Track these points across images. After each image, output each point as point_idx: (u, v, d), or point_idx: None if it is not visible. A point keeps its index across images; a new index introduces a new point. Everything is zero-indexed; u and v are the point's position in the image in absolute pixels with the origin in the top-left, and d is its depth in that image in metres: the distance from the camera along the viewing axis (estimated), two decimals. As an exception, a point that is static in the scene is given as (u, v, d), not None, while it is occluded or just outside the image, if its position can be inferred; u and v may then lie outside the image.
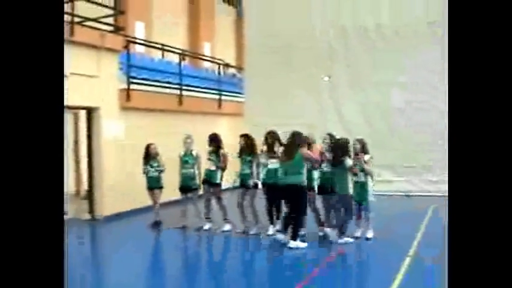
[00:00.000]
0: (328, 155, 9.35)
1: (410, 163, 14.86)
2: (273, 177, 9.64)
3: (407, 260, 7.85)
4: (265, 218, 10.06)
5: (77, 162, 14.37)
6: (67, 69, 10.47)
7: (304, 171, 8.89)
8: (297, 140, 8.96)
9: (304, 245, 8.86)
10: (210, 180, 10.60)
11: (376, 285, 7.15)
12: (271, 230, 9.89)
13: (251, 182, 10.06)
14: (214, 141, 10.67)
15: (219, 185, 10.63)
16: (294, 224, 8.91)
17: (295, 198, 8.90)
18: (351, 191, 9.09)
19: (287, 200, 9.13)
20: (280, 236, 9.03)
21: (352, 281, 7.83)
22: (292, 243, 8.78)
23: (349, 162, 9.05)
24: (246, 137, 10.35)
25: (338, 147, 9.16)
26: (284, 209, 9.51)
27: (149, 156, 10.90)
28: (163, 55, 17.80)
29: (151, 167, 10.88)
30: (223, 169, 10.62)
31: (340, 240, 9.04)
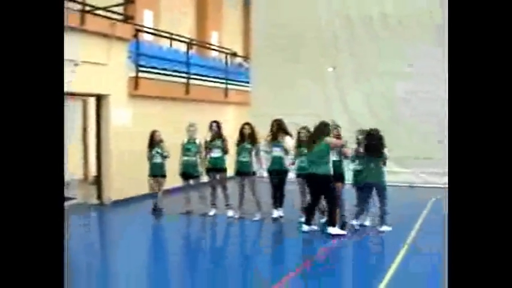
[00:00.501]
0: (358, 147, 9.57)
1: (415, 154, 14.92)
2: (277, 164, 10.23)
3: (405, 248, 8.12)
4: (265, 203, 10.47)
5: (85, 148, 14.64)
6: (78, 57, 10.78)
7: (329, 160, 9.03)
8: (323, 130, 9.14)
9: (344, 232, 9.03)
10: (216, 167, 10.83)
11: (377, 268, 7.47)
12: (275, 214, 10.31)
13: (257, 169, 10.38)
14: (217, 128, 10.90)
15: (225, 170, 10.90)
16: (329, 211, 9.12)
17: (321, 187, 9.05)
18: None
19: (312, 189, 9.25)
20: (310, 227, 9.23)
21: (353, 265, 8.12)
22: (332, 230, 8.93)
23: (387, 153, 9.32)
24: (248, 125, 10.63)
25: (375, 139, 9.32)
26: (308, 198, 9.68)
27: (154, 142, 10.99)
28: (171, 44, 17.98)
29: (156, 153, 10.97)
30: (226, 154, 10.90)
31: (380, 229, 9.29)
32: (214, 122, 11.04)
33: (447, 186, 11.09)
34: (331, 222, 8.99)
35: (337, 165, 9.37)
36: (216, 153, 10.81)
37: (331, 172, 9.02)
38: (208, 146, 10.86)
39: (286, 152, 10.29)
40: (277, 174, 10.38)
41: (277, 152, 10.32)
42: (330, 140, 9.09)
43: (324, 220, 9.76)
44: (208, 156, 10.89)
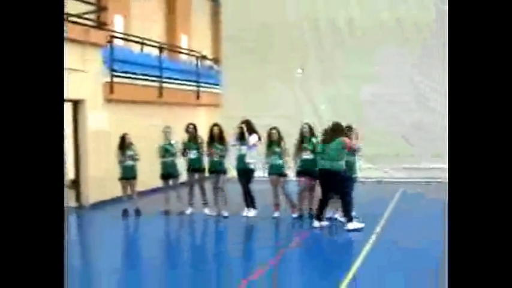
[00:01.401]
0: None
1: (382, 152, 15.53)
2: (242, 163, 10.76)
3: (374, 237, 8.77)
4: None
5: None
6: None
7: (344, 157, 9.48)
8: (336, 129, 9.60)
9: (361, 225, 9.41)
10: (194, 167, 11.26)
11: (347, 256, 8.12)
12: (245, 212, 10.84)
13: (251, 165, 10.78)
14: (194, 130, 11.33)
15: (203, 170, 11.33)
16: (344, 207, 9.47)
17: (335, 183, 9.42)
18: None
19: (325, 185, 9.60)
20: (320, 223, 9.65)
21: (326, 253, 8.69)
22: (350, 225, 9.34)
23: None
24: (217, 126, 11.11)
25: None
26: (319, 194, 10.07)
27: (124, 145, 11.18)
28: (142, 48, 18.30)
29: (127, 156, 11.15)
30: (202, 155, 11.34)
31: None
32: (191, 124, 11.45)
33: (414, 180, 11.82)
34: (348, 218, 9.39)
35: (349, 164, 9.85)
36: (193, 155, 11.22)
37: (345, 169, 9.49)
38: (186, 148, 11.26)
39: (247, 146, 10.69)
40: (244, 172, 10.85)
41: (243, 150, 10.77)
42: (346, 140, 9.51)
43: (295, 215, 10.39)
44: (186, 157, 11.30)
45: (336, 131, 9.59)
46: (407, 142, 15.64)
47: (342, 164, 9.43)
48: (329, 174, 9.43)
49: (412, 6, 15.92)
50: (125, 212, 11.18)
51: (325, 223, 9.73)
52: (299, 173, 10.48)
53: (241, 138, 10.78)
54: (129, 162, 11.19)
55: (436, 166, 14.54)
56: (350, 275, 6.75)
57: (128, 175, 11.20)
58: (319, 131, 10.42)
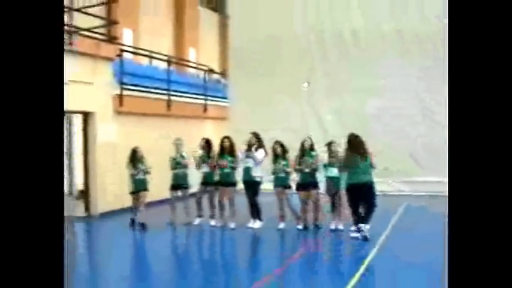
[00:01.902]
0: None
1: (387, 165, 15.66)
2: (247, 175, 10.97)
3: (376, 248, 8.94)
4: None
5: (70, 164, 15.08)
6: (66, 76, 11.33)
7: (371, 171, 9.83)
8: (361, 143, 9.86)
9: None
10: (207, 181, 11.40)
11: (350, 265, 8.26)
12: (251, 224, 10.98)
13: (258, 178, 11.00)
14: (208, 145, 11.55)
15: (215, 184, 11.38)
16: (368, 215, 9.74)
17: (371, 194, 9.75)
18: None
19: (363, 196, 9.75)
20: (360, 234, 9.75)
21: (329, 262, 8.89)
22: (366, 228, 9.65)
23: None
24: (227, 139, 11.31)
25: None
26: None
27: (135, 158, 11.18)
28: (151, 62, 18.60)
29: (140, 170, 11.13)
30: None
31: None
32: (206, 139, 11.71)
33: (419, 194, 11.94)
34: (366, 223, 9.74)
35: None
36: (207, 168, 11.41)
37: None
38: (201, 161, 11.42)
39: (254, 161, 10.87)
40: (249, 185, 11.04)
41: (249, 163, 10.96)
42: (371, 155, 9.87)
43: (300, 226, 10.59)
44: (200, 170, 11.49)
45: (361, 144, 9.84)
46: (416, 163, 15.81)
47: (372, 176, 9.79)
48: (366, 187, 9.69)
49: (413, 18, 16.14)
50: (133, 222, 11.23)
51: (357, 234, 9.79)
52: (299, 186, 10.71)
53: (249, 150, 10.96)
54: (141, 176, 11.20)
55: (441, 180, 14.64)
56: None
57: (139, 188, 11.19)
58: (323, 144, 10.67)
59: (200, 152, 11.49)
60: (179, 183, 11.57)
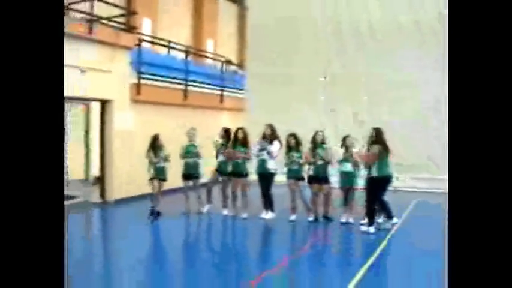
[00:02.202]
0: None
1: (400, 161, 15.63)
2: (261, 167, 11.08)
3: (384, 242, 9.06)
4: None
5: (87, 150, 15.31)
6: (85, 64, 11.57)
7: None
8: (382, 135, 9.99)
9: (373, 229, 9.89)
10: (223, 170, 11.57)
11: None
12: (263, 214, 11.11)
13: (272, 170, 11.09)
14: (227, 134, 11.72)
15: (229, 174, 11.53)
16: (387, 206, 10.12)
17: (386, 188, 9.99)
18: None
19: (380, 190, 9.91)
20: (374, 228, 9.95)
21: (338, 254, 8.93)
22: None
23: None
24: (241, 130, 11.47)
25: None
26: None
27: (156, 146, 11.19)
28: (169, 51, 18.73)
29: (161, 157, 11.17)
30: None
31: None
32: (226, 128, 11.89)
33: (430, 190, 11.96)
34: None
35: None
36: (223, 157, 11.56)
37: None
38: (219, 150, 11.62)
39: (269, 155, 10.98)
40: (264, 177, 11.14)
41: (263, 155, 11.06)
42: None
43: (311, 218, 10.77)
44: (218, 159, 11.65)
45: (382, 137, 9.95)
46: (435, 164, 15.71)
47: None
48: (391, 181, 10.01)
49: (429, 9, 16.09)
50: (153, 212, 11.10)
51: (372, 229, 9.87)
52: (312, 178, 10.80)
53: (265, 140, 11.05)
54: (162, 164, 11.24)
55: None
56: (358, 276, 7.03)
57: (160, 176, 11.24)
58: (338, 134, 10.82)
59: (220, 141, 11.63)
60: (190, 173, 11.69)
